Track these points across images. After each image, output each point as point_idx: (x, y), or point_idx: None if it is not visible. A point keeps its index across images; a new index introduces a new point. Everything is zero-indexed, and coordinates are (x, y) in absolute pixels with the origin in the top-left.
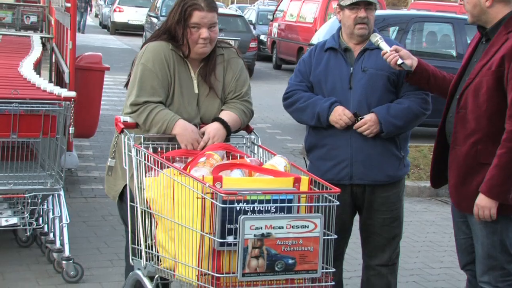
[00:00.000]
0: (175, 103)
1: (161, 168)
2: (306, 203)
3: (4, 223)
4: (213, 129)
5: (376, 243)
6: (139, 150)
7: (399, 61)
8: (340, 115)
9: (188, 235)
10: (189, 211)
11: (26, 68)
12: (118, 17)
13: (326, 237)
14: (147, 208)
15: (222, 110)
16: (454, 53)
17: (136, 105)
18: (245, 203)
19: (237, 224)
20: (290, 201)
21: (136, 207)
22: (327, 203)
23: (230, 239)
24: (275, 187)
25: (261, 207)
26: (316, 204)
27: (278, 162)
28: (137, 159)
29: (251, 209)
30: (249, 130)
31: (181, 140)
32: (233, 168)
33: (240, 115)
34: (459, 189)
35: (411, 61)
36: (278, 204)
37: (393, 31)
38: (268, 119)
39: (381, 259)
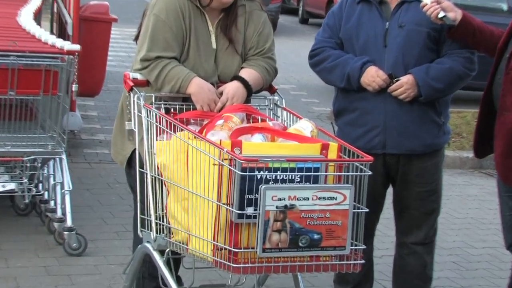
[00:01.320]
0: (191, 59)
1: (174, 131)
2: (334, 172)
3: (0, 189)
4: (232, 89)
5: (411, 218)
6: (149, 111)
7: (441, 14)
8: (373, 76)
9: (203, 205)
10: (204, 179)
11: (25, 17)
12: None
13: (356, 211)
14: (158, 175)
15: (242, 67)
16: (504, 6)
17: (147, 61)
18: (266, 171)
19: (257, 194)
20: (316, 169)
21: (146, 173)
22: (358, 173)
23: (249, 210)
24: (300, 154)
25: (284, 176)
26: (346, 173)
27: (304, 127)
28: (147, 120)
29: (273, 178)
30: (272, 90)
31: (196, 100)
32: (253, 132)
33: (262, 73)
34: (506, 159)
35: (455, 14)
36: (304, 173)
37: None
38: (293, 79)
39: (416, 236)
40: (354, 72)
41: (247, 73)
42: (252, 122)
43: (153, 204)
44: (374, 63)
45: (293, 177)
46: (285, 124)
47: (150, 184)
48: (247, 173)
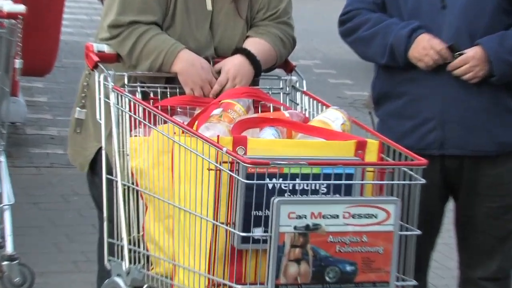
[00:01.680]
0: (177, 25)
1: (155, 124)
2: (374, 180)
3: None
4: (234, 66)
5: (479, 245)
6: (121, 96)
7: None
8: (425, 48)
9: (194, 225)
10: (196, 190)
11: None
12: None
13: (404, 233)
14: (132, 184)
15: (248, 37)
16: None
17: (117, 27)
18: (281, 179)
19: (268, 210)
20: (350, 176)
21: (116, 181)
22: (407, 181)
23: (257, 232)
24: (327, 155)
25: (305, 186)
26: (390, 182)
27: (333, 118)
28: (118, 108)
29: (291, 187)
30: (288, 68)
31: (185, 82)
32: (263, 126)
33: (275, 44)
34: None
35: None
36: (332, 181)
37: None
38: (317, 52)
39: (487, 269)
40: (400, 42)
41: (254, 44)
42: (261, 112)
43: (126, 223)
44: (428, 30)
45: (317, 187)
46: (307, 114)
47: (122, 197)
48: (255, 181)
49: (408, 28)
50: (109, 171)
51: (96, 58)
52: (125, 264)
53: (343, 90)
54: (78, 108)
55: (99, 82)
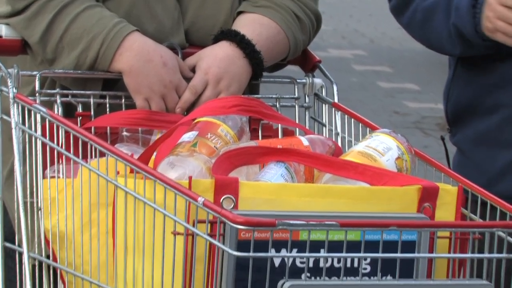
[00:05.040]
0: None
1: (85, 158)
2: (451, 252)
3: None
4: (216, 60)
5: None
6: (29, 110)
7: None
8: (495, 10)
9: None
10: (153, 268)
11: None
12: None
13: None
14: (47, 258)
15: (240, 12)
16: None
17: None
18: (295, 250)
19: None
20: (410, 246)
21: (21, 253)
22: (504, 254)
23: None
24: (372, 210)
25: (335, 261)
26: (478, 255)
27: (383, 148)
28: (23, 131)
29: (311, 264)
30: (309, 64)
31: (136, 87)
32: (266, 161)
33: (285, 24)
34: None
35: None
36: (380, 254)
37: None
38: (360, 37)
39: None
40: (463, 18)
41: (251, 23)
42: (263, 137)
43: None
44: None
45: (355, 264)
46: (339, 142)
47: (30, 278)
48: (251, 254)
49: None
50: (9, 236)
51: None
52: None
53: (402, 101)
54: None
55: None
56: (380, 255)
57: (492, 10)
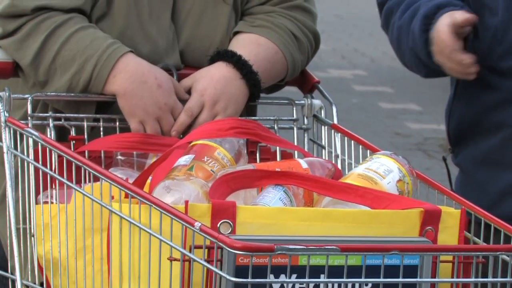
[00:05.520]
0: (116, 13)
1: (79, 182)
2: (454, 277)
3: None
4: (213, 82)
5: None
6: (21, 134)
7: None
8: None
9: None
10: None
11: None
12: None
13: None
14: (41, 286)
15: (237, 32)
16: None
17: (15, 17)
18: (294, 275)
19: None
20: (412, 270)
21: (14, 280)
22: (510, 279)
23: None
24: (373, 234)
25: (336, 287)
26: (482, 279)
27: (383, 170)
28: (15, 156)
29: None
30: (308, 85)
31: (130, 110)
32: (264, 184)
33: (283, 44)
34: None
35: None
36: (382, 280)
37: None
38: (360, 57)
39: None
40: (416, 42)
41: (248, 44)
42: (261, 160)
43: None
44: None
45: None
46: (339, 165)
47: None
48: (249, 280)
49: (426, 8)
50: (2, 263)
51: None
52: None
53: (404, 122)
54: None
55: None
56: (381, 280)
57: (436, 45)
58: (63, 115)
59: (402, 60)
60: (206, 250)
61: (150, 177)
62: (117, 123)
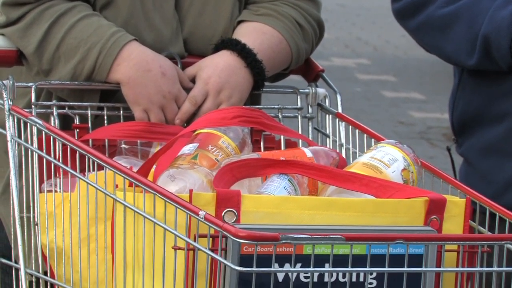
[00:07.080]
0: (120, 4)
1: (83, 171)
2: (459, 266)
3: None
4: (217, 71)
5: None
6: (25, 123)
7: None
8: None
9: None
10: (153, 284)
11: None
12: None
13: None
14: (45, 274)
15: (241, 21)
16: None
17: (18, 5)
18: (299, 264)
19: None
20: (417, 260)
21: (18, 269)
22: None
23: None
24: (378, 223)
25: (340, 276)
26: (487, 269)
27: (388, 159)
28: (19, 144)
29: (316, 279)
30: (312, 74)
31: (134, 98)
32: (268, 173)
33: (288, 32)
34: None
35: None
36: (387, 269)
37: None
38: (364, 46)
39: None
40: (501, 32)
41: (252, 33)
42: (265, 149)
43: None
44: None
45: (361, 278)
46: (343, 154)
47: None
48: (254, 269)
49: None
50: (6, 252)
51: None
52: None
53: (407, 111)
54: None
55: None
56: (386, 269)
57: None
58: (67, 103)
59: (440, 49)
60: (211, 239)
61: (154, 166)
62: (121, 112)
